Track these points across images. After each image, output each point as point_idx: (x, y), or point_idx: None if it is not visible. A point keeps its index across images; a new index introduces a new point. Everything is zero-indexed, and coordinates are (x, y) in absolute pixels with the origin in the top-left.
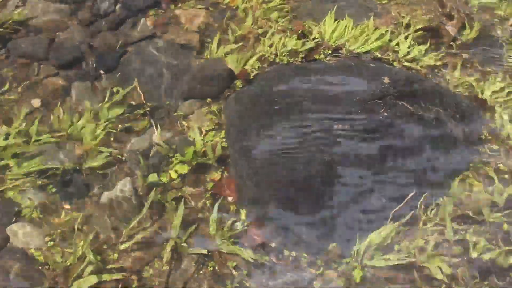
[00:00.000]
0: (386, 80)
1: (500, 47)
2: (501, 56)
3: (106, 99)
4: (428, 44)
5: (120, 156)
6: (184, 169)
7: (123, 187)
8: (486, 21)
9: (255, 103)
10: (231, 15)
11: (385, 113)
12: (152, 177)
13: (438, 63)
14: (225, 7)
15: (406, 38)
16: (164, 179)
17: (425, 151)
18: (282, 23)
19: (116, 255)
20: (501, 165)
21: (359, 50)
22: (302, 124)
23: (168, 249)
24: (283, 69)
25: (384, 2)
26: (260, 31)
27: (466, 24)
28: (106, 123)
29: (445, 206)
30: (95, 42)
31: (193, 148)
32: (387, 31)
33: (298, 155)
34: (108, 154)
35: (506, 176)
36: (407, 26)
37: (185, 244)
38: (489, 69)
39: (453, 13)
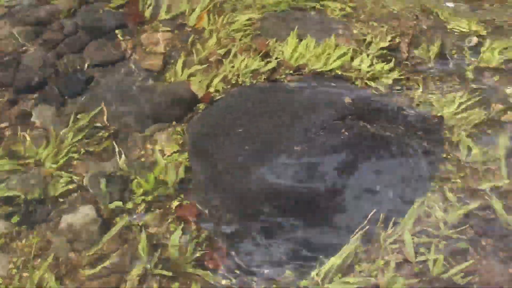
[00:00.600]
0: (347, 99)
1: (460, 64)
2: (461, 72)
3: (70, 123)
4: (390, 62)
5: (82, 181)
6: (147, 192)
7: (85, 212)
8: (447, 37)
9: (218, 125)
10: (196, 37)
11: (346, 133)
12: (115, 202)
13: (400, 81)
14: (190, 29)
15: (367, 56)
16: (128, 204)
17: (386, 170)
18: (246, 43)
19: (79, 281)
20: (459, 181)
21: (320, 69)
22: (262, 146)
23: (134, 273)
24: (245, 91)
25: (345, 20)
26: (223, 51)
27: (425, 42)
28: (69, 147)
29: (404, 224)
30: (59, 65)
31: (156, 171)
32: (349, 49)
33: (260, 177)
34: (70, 179)
35: (464, 194)
36: (369, 44)
37: (150, 268)
38: (450, 86)
39: (410, 31)
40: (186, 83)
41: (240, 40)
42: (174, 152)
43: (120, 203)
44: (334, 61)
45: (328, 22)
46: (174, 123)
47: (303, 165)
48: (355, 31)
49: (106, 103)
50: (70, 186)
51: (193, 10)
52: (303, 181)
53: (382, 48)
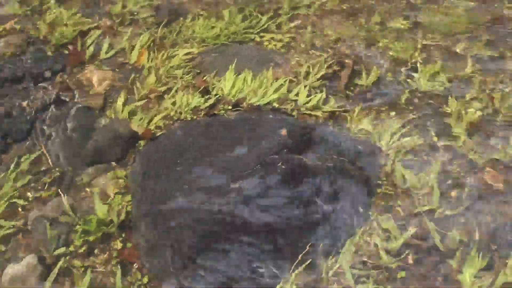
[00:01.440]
0: (283, 132)
1: (398, 91)
2: (398, 100)
3: (11, 168)
4: (327, 92)
5: (24, 227)
6: (90, 236)
7: (28, 260)
8: (385, 64)
9: (158, 163)
10: (137, 75)
11: (283, 167)
12: (59, 248)
13: (337, 110)
14: (131, 67)
15: (305, 87)
16: (71, 248)
17: (324, 201)
18: (186, 79)
19: None
20: (397, 208)
21: (258, 103)
22: (201, 184)
23: None
24: (185, 127)
25: (283, 51)
26: (164, 88)
27: (363, 70)
28: (12, 193)
29: (344, 254)
30: (3, 109)
31: (98, 214)
32: (285, 81)
33: (199, 217)
34: (11, 226)
35: (402, 221)
36: (307, 74)
37: None
38: (387, 114)
39: (347, 60)
40: (126, 121)
41: (181, 77)
42: (117, 193)
43: (64, 247)
44: (272, 94)
45: (267, 54)
46: (114, 164)
47: (242, 201)
48: (293, 62)
49: (48, 146)
50: (13, 233)
51: (133, 47)
52: (242, 217)
53: (320, 78)
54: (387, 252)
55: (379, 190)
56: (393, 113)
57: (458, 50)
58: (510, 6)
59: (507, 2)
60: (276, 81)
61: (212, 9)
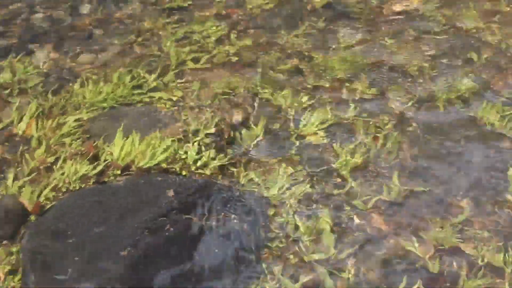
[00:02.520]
0: (171, 193)
1: (285, 138)
2: (286, 148)
3: None
4: (216, 147)
5: None
6: None
7: None
8: (273, 113)
9: (48, 237)
10: (26, 147)
11: (171, 229)
12: None
13: (226, 165)
14: (19, 139)
15: (193, 144)
16: None
17: (213, 258)
18: (75, 147)
19: None
20: (290, 259)
21: (147, 165)
22: (90, 254)
23: None
24: (74, 197)
25: (172, 109)
26: (53, 159)
27: (253, 121)
28: None
29: None
30: None
31: None
32: (173, 140)
33: None
34: None
35: (295, 272)
36: (196, 131)
37: None
38: (275, 163)
39: (234, 115)
40: (15, 196)
41: (70, 144)
42: (9, 273)
43: None
44: (160, 155)
45: (156, 114)
46: (5, 242)
47: (130, 269)
48: (182, 120)
49: None
50: None
51: (22, 118)
52: (132, 285)
53: (209, 134)
54: None
55: (271, 242)
56: (282, 163)
57: (343, 95)
58: (393, 51)
59: (388, 44)
60: (164, 141)
61: (102, 72)
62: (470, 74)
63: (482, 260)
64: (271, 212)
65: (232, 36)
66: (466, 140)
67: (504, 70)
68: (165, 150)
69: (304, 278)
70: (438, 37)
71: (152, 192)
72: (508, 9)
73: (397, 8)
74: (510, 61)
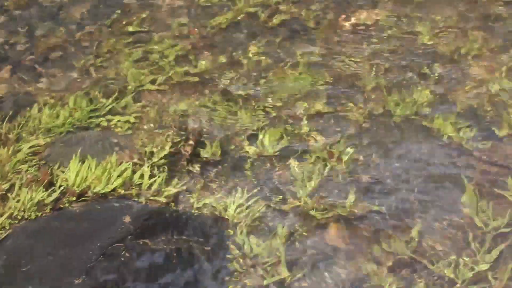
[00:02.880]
0: (126, 219)
1: (241, 157)
2: (242, 169)
3: None
4: (172, 170)
5: None
6: None
7: None
8: (228, 133)
9: (3, 267)
10: None
11: (127, 255)
12: None
13: (181, 188)
14: None
15: (149, 168)
16: None
17: (171, 284)
18: (32, 173)
19: None
20: (247, 281)
21: (103, 191)
22: (44, 284)
23: None
24: (29, 226)
25: (129, 133)
26: (8, 186)
27: (208, 142)
28: None
29: None
30: None
31: None
32: (129, 164)
33: None
34: None
35: None
36: (152, 154)
37: None
38: (231, 183)
39: (190, 136)
40: None
41: (26, 171)
42: None
43: None
44: (115, 180)
45: (113, 138)
46: None
47: None
48: (139, 143)
49: None
50: None
51: None
52: None
53: (164, 157)
54: None
55: (228, 265)
56: (237, 181)
57: (299, 112)
58: (349, 66)
59: (347, 60)
60: (120, 166)
61: (59, 96)
62: (425, 88)
63: (437, 274)
64: (228, 233)
65: (191, 55)
66: (422, 154)
67: (458, 83)
68: (120, 174)
69: None
70: (393, 51)
71: (108, 218)
72: (462, 23)
73: (353, 22)
74: (463, 73)
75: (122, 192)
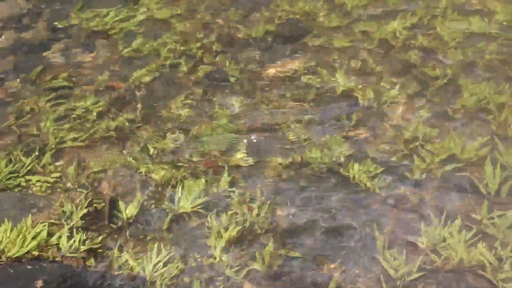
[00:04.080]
0: (39, 284)
1: (161, 217)
2: (160, 227)
3: None
4: (89, 230)
5: None
6: None
7: None
8: (147, 190)
9: None
10: None
11: None
12: None
13: (99, 249)
14: None
15: (68, 228)
16: None
17: None
18: None
19: None
20: None
21: (17, 254)
22: None
23: None
24: None
25: (48, 192)
26: None
27: (123, 202)
28: None
29: None
30: None
31: None
32: (45, 226)
33: None
34: None
35: None
36: (71, 214)
37: None
38: (149, 243)
39: (106, 194)
40: None
41: None
42: None
43: None
44: (30, 242)
45: (31, 199)
46: None
47: None
48: (57, 203)
49: None
50: None
51: None
52: None
53: (82, 217)
54: None
55: None
56: (155, 241)
57: (219, 164)
58: (271, 116)
59: (265, 109)
60: (35, 228)
61: None
62: (343, 137)
63: None
64: None
65: (113, 110)
66: (339, 201)
67: (374, 130)
68: (35, 237)
69: None
70: (313, 100)
71: (21, 283)
72: (379, 68)
73: (275, 72)
74: (381, 121)
75: (38, 254)
